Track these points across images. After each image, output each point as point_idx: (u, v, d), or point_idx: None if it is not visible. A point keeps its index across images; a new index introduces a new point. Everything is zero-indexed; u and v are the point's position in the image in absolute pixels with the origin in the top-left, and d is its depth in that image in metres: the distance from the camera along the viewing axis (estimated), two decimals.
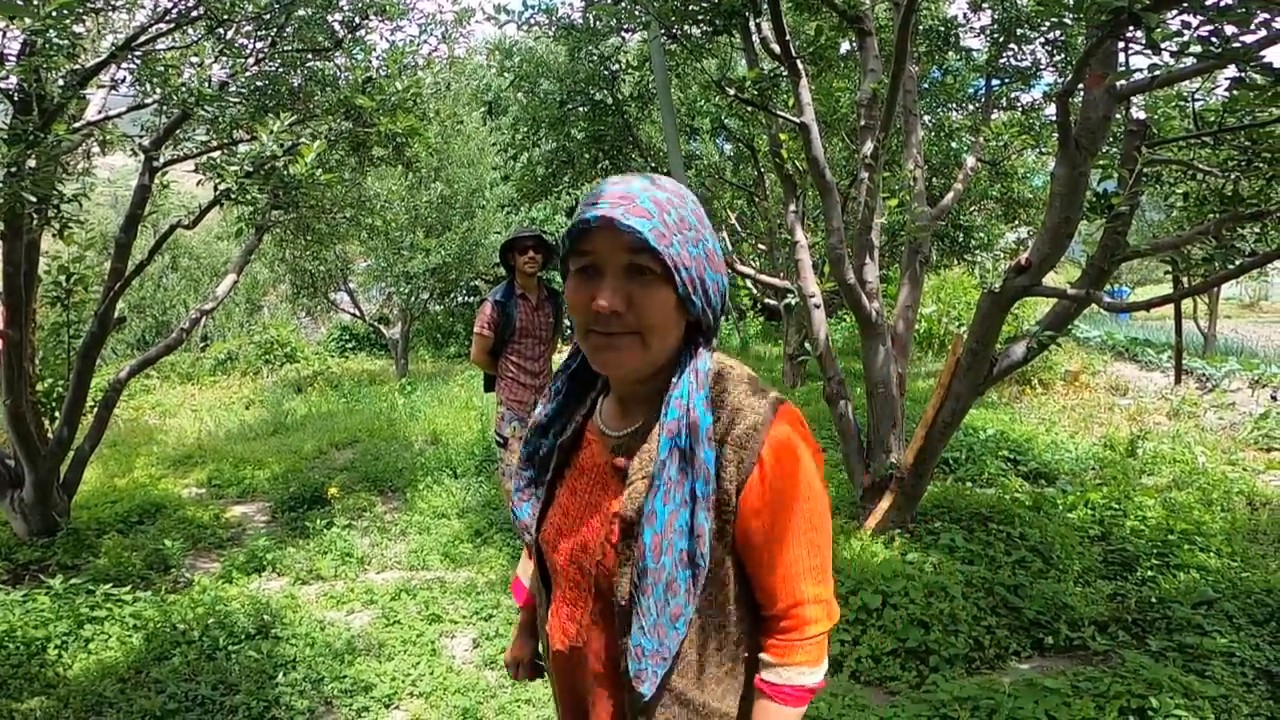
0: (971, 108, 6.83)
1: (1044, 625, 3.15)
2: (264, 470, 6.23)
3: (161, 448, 7.27)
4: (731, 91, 4.08)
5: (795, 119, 3.82)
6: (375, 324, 10.59)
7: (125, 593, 3.52)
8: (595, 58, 4.78)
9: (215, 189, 3.46)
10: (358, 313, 10.04)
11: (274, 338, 12.85)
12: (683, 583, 0.89)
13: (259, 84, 4.49)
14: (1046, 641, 3.12)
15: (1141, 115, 3.23)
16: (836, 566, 3.36)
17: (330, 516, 4.54)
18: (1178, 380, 8.92)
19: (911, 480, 3.66)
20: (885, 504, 3.72)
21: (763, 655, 0.96)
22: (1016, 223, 7.04)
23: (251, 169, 3.40)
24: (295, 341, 13.77)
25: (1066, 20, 2.39)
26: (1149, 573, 3.59)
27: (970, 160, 4.78)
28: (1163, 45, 1.84)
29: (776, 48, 3.74)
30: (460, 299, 15.16)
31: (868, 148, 3.96)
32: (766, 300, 9.49)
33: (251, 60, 4.39)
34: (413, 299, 9.64)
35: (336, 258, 9.11)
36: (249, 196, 3.46)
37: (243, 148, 3.47)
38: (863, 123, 4.08)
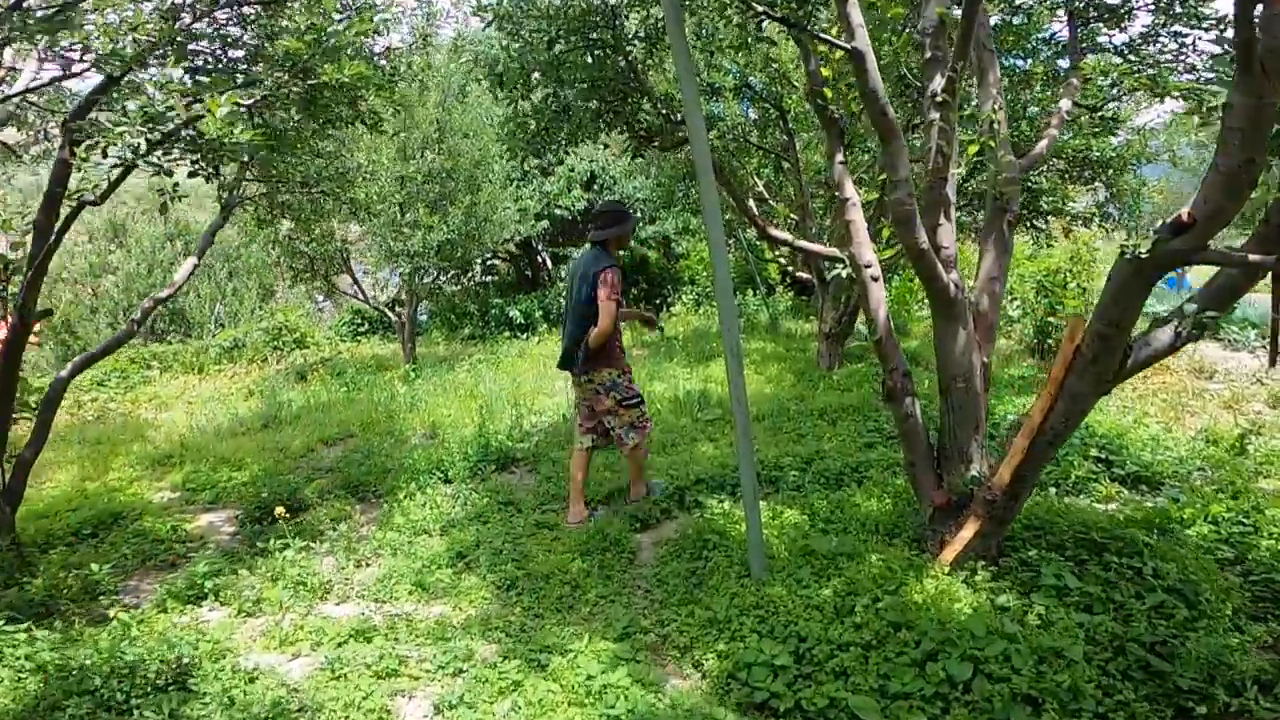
0: (1048, 53, 5.81)
1: (1194, 691, 2.33)
2: (243, 472, 5.63)
3: (144, 445, 6.74)
4: (761, 7, 3.23)
5: (845, 45, 2.95)
6: (381, 307, 9.97)
7: (21, 630, 2.91)
8: None
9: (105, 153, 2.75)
10: (361, 296, 9.42)
11: (282, 323, 12.34)
12: None
13: (200, 45, 3.79)
14: (1197, 712, 2.30)
15: None
16: (904, 616, 2.55)
17: (286, 536, 3.88)
18: (1273, 363, 7.79)
19: (1005, 501, 2.83)
20: (968, 531, 2.90)
21: None
22: (1095, 185, 6.03)
23: (147, 129, 2.68)
24: (305, 327, 13.27)
25: None
26: None
27: (1065, 104, 3.85)
28: None
29: None
30: (475, 278, 14.50)
31: (937, 82, 3.09)
32: (798, 273, 8.58)
33: (188, 18, 3.68)
34: (417, 279, 8.97)
35: (332, 237, 8.46)
36: (155, 162, 2.75)
37: (131, 105, 2.74)
38: (928, 54, 3.20)
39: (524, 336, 11.92)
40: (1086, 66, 3.57)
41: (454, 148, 8.39)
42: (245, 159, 3.63)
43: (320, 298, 15.87)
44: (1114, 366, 2.41)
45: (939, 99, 3.02)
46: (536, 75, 4.03)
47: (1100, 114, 4.33)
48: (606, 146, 7.34)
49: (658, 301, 13.51)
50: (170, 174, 2.99)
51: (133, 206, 16.60)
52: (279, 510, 3.80)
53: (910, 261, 3.01)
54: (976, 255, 3.74)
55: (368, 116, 4.11)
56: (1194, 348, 8.77)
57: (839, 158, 3.49)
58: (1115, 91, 4.03)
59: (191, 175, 3.41)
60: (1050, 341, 8.37)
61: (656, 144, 3.94)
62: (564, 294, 3.88)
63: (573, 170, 11.63)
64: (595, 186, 12.10)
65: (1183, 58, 3.95)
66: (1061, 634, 2.41)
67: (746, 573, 3.17)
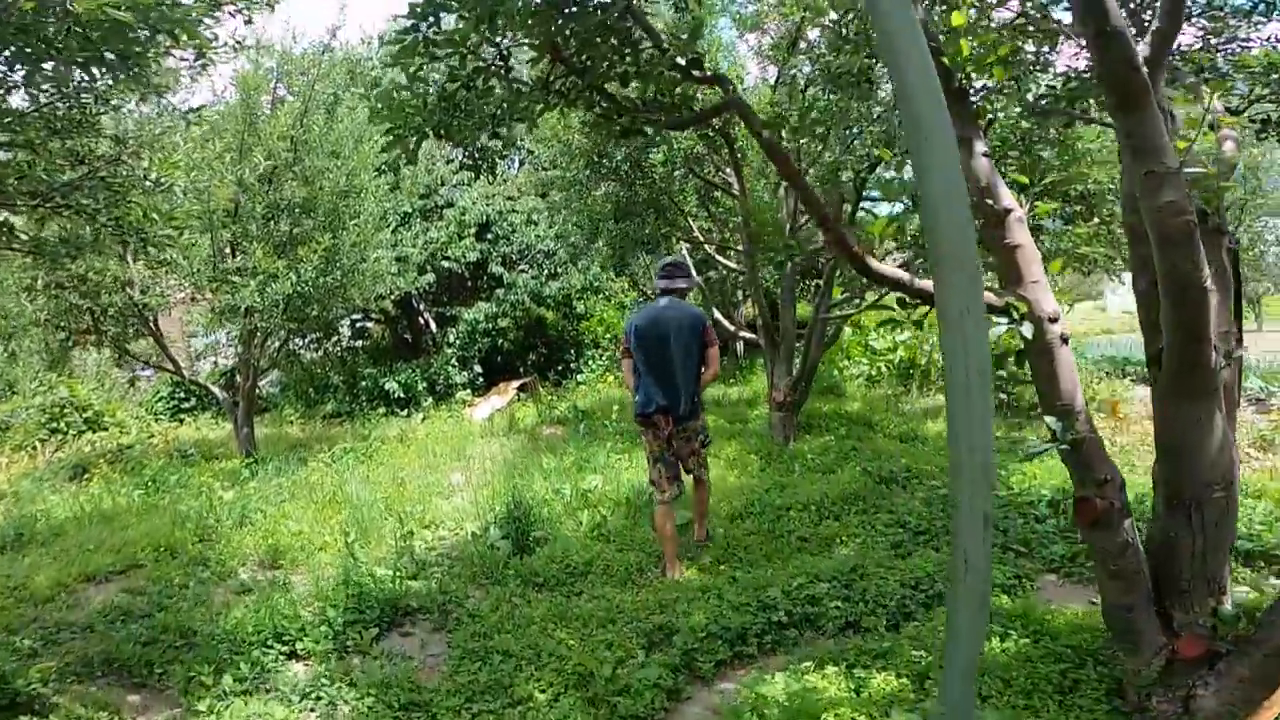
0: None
1: None
2: None
3: None
4: None
5: None
6: (201, 381, 7.55)
7: None
8: None
9: None
10: (171, 365, 7.02)
11: (65, 399, 9.38)
12: None
13: None
14: None
15: None
16: None
17: None
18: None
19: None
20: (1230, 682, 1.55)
21: None
22: (1094, 220, 5.33)
23: None
24: (101, 403, 10.29)
25: None
26: None
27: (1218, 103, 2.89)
28: None
29: None
30: (343, 343, 12.15)
31: (1143, 48, 1.97)
32: (741, 334, 7.40)
33: None
34: (254, 344, 6.79)
35: (124, 287, 6.15)
36: None
37: None
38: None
39: (403, 414, 9.80)
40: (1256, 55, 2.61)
41: (312, 171, 6.52)
42: None
43: (141, 366, 12.72)
44: None
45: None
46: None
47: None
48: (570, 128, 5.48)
49: (559, 368, 11.91)
50: None
51: None
52: None
53: (1170, 306, 1.73)
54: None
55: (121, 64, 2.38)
56: (1131, 393, 8.48)
57: (980, 146, 2.20)
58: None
59: None
60: None
61: (648, 125, 2.56)
62: (642, 347, 3.81)
63: (464, 214, 9.95)
64: (490, 235, 10.50)
65: None
66: None
67: None
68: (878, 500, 4.67)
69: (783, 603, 3.24)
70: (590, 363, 11.60)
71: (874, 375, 9.99)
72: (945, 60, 2.24)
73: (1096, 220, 5.29)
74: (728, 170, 7.00)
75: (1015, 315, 1.99)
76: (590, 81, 2.64)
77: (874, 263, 2.16)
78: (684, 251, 7.42)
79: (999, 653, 2.77)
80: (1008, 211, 2.08)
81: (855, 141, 5.58)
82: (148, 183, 3.48)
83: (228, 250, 6.57)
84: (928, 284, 2.28)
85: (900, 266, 6.70)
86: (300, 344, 11.97)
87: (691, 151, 6.28)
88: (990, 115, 2.65)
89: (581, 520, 4.53)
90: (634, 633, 3.08)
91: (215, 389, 7.24)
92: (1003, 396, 8.01)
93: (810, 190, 2.39)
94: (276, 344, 7.32)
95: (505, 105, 2.70)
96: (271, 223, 6.59)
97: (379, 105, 2.75)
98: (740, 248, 7.50)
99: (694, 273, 4.01)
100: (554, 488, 5.21)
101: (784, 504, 4.71)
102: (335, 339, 12.02)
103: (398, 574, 3.75)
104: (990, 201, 2.10)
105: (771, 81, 5.98)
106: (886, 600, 3.30)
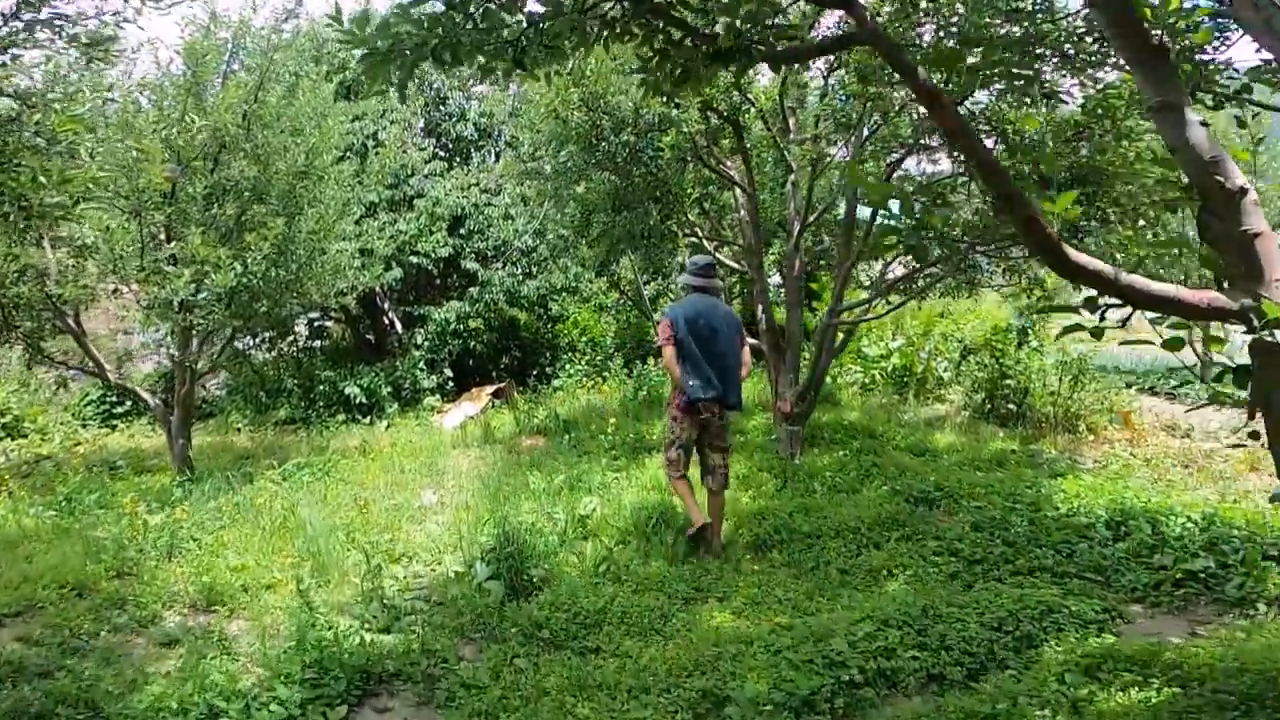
0: None
1: None
2: None
3: None
4: None
5: None
6: (130, 384, 6.60)
7: None
8: None
9: None
10: (95, 366, 6.07)
11: None
12: None
13: None
14: None
15: None
16: None
17: None
18: (1251, 415, 7.23)
19: None
20: None
21: None
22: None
23: None
24: (22, 408, 9.18)
25: None
26: None
27: None
28: None
29: None
30: (300, 343, 11.17)
31: None
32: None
33: None
34: (191, 344, 5.91)
35: (36, 273, 5.21)
36: None
37: None
38: None
39: (366, 421, 8.95)
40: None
41: (266, 149, 5.69)
42: None
43: (61, 366, 11.48)
44: None
45: None
46: None
47: None
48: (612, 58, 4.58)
49: (535, 373, 11.18)
50: None
51: None
52: None
53: None
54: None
55: None
56: (1138, 403, 8.19)
57: (1193, 114, 1.62)
58: None
59: None
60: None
61: (737, 59, 1.90)
62: (695, 336, 3.85)
63: (436, 205, 9.14)
64: (464, 230, 9.73)
65: None
66: None
67: None
68: (918, 525, 4.14)
69: (851, 657, 2.66)
70: (568, 367, 10.89)
71: (867, 383, 9.55)
72: (1146, 11, 1.69)
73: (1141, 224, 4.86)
74: (729, 162, 6.44)
75: (1258, 320, 1.44)
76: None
77: (1074, 253, 1.58)
78: (688, 249, 6.83)
79: (1143, 707, 2.25)
80: (1242, 191, 1.53)
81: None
82: (39, 140, 2.72)
83: (162, 236, 5.70)
84: (1165, 288, 1.66)
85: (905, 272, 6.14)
86: (251, 344, 10.97)
87: (694, 139, 5.68)
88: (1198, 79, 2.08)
89: (584, 554, 3.87)
90: (674, 704, 2.46)
91: (146, 394, 6.31)
92: (1011, 407, 7.67)
93: (990, 155, 1.78)
94: (220, 344, 6.44)
95: (535, 29, 2.03)
96: (215, 206, 5.74)
97: (356, 30, 2.07)
98: (739, 244, 6.95)
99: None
100: (545, 511, 4.53)
101: (813, 530, 4.14)
102: (291, 339, 11.02)
103: (366, 625, 3.04)
104: (1219, 179, 1.55)
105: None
106: (971, 646, 2.76)
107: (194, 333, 6.06)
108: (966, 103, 4.68)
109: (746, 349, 4.10)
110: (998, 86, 4.31)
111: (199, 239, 5.20)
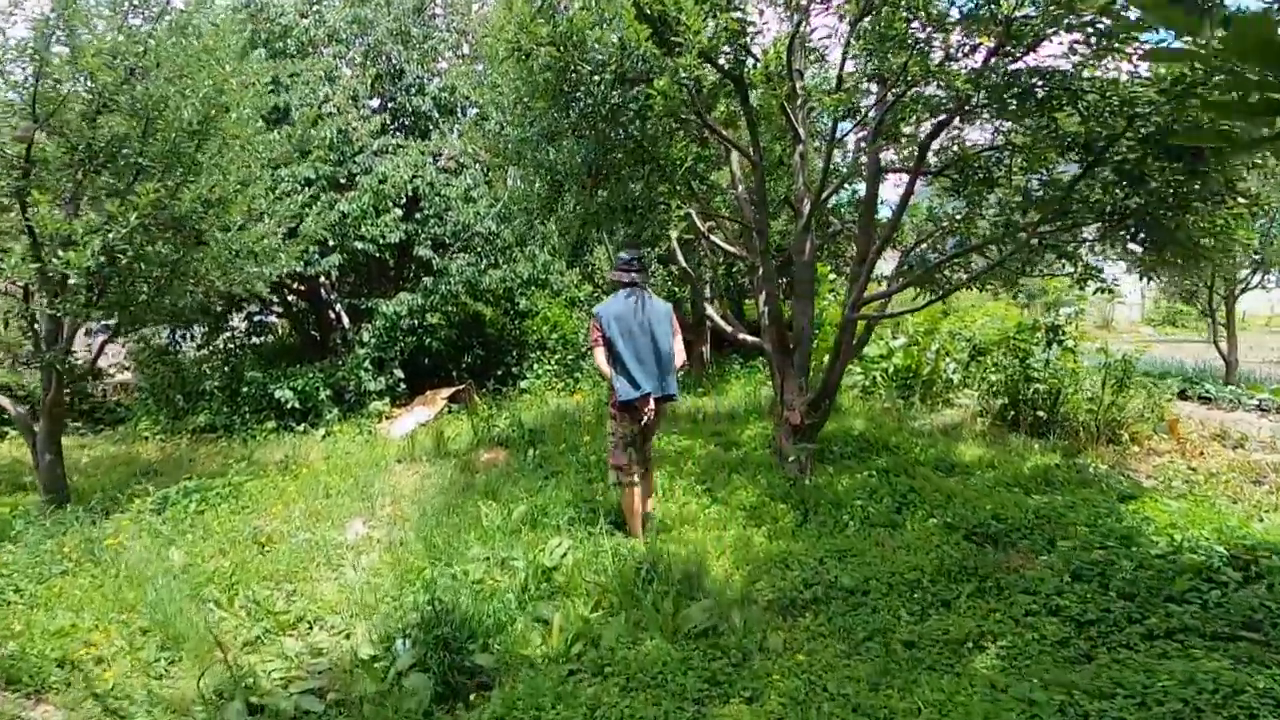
0: None
1: None
2: None
3: None
4: None
5: None
6: None
7: None
8: None
9: None
10: None
11: None
12: None
13: None
14: None
15: None
16: None
17: None
18: None
19: None
20: None
21: None
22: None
23: None
24: None
25: None
26: None
27: None
28: None
29: None
30: (236, 338, 9.84)
31: None
32: (741, 335, 5.77)
33: None
34: (60, 337, 4.65)
35: None
36: None
37: None
38: None
39: (299, 429, 7.71)
40: None
41: (147, 102, 4.46)
42: None
43: None
44: None
45: None
46: None
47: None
48: None
49: (499, 373, 10.04)
50: None
51: None
52: None
53: None
54: None
55: None
56: (1177, 408, 7.41)
57: None
58: None
59: None
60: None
61: None
62: (624, 334, 3.82)
63: (383, 183, 7.89)
64: (419, 213, 8.52)
65: None
66: None
67: None
68: (993, 572, 3.16)
69: None
70: (535, 367, 9.78)
71: (867, 385, 8.63)
72: None
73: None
74: (726, 132, 5.39)
75: None
76: None
77: None
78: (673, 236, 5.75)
79: None
80: None
81: None
82: None
83: (17, 207, 4.45)
84: None
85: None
86: (175, 340, 9.62)
87: (691, 90, 4.60)
88: None
89: (550, 625, 2.78)
90: None
91: (6, 400, 5.01)
92: (1040, 414, 6.78)
93: None
94: (96, 341, 5.19)
95: None
96: (79, 170, 4.50)
97: None
98: (738, 223, 5.91)
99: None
100: (500, 558, 3.44)
101: (856, 585, 3.13)
102: (225, 334, 9.69)
103: None
104: None
105: None
106: None
107: (63, 325, 4.83)
108: (1029, 58, 3.75)
109: (679, 338, 4.02)
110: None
111: (45, 208, 3.99)
